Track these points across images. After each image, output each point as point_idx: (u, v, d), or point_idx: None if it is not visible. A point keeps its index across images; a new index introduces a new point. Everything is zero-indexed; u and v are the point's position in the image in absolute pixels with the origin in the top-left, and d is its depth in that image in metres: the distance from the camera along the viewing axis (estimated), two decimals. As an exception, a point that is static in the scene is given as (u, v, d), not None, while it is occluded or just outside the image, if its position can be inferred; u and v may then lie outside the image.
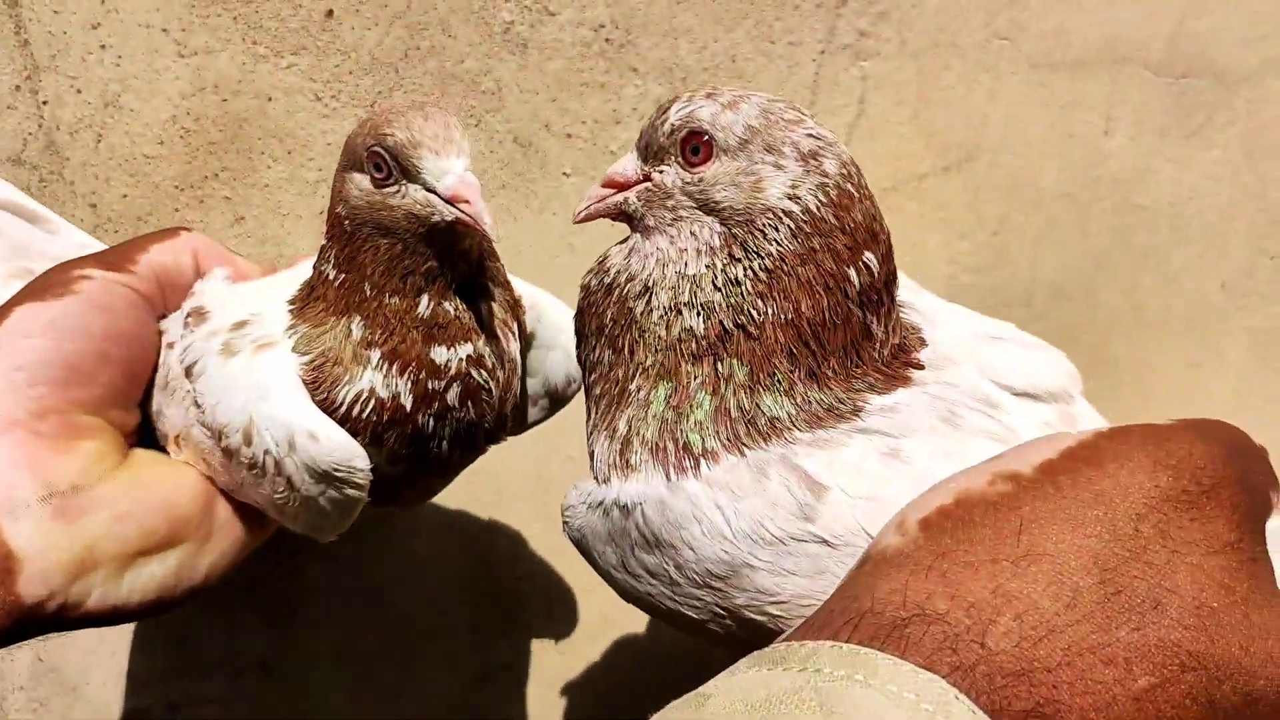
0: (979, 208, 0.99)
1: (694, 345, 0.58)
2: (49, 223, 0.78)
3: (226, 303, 0.68)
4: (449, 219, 0.60)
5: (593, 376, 0.63)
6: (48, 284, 0.64)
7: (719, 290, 0.57)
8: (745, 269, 0.57)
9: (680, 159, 0.59)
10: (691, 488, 0.56)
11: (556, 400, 0.78)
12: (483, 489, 0.98)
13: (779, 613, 0.55)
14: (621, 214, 0.62)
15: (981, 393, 0.60)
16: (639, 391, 0.59)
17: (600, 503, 0.60)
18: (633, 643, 1.01)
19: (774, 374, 0.57)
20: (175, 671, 0.97)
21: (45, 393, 0.60)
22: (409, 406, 0.64)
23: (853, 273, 0.57)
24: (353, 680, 0.99)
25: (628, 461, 0.59)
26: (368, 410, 0.64)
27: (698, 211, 0.59)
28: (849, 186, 0.58)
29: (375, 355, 0.63)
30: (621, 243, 0.63)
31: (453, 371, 0.64)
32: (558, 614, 1.01)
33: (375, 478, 0.64)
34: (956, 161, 0.98)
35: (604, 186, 0.63)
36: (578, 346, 0.65)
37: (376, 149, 0.61)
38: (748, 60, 0.94)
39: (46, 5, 0.87)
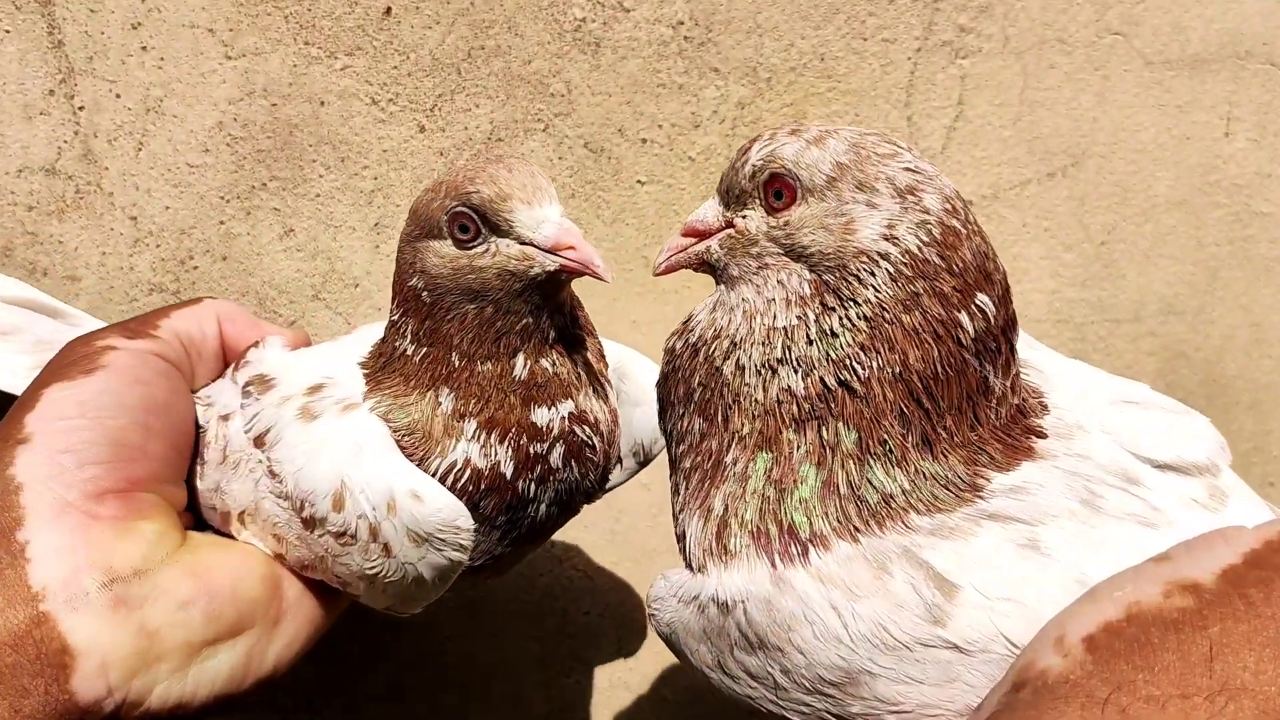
0: (1085, 217, 0.92)
1: (794, 408, 0.53)
2: (71, 317, 0.76)
3: (292, 368, 0.65)
4: (551, 269, 0.57)
5: (681, 448, 0.58)
6: (72, 359, 0.60)
7: (813, 344, 0.52)
8: (841, 318, 0.52)
9: (764, 202, 0.55)
10: (801, 584, 0.51)
11: (642, 460, 0.74)
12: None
13: (900, 723, 0.51)
14: (704, 264, 0.58)
15: (1119, 466, 0.54)
16: (735, 464, 0.54)
17: (695, 597, 0.55)
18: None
19: (885, 440, 0.51)
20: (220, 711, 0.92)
21: (99, 473, 0.56)
22: (510, 474, 0.61)
23: (965, 318, 0.51)
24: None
25: (725, 547, 0.54)
26: (463, 480, 0.60)
27: (784, 258, 0.54)
28: (954, 222, 0.52)
29: (470, 426, 0.60)
30: (709, 298, 0.58)
31: (555, 432, 0.61)
32: (629, 651, 0.95)
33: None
34: (1062, 167, 0.91)
35: (684, 235, 0.59)
36: (661, 416, 0.60)
37: (461, 209, 0.57)
38: (837, 59, 0.87)
39: (83, 4, 0.81)
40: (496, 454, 0.60)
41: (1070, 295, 0.93)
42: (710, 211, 0.58)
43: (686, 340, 0.57)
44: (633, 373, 0.71)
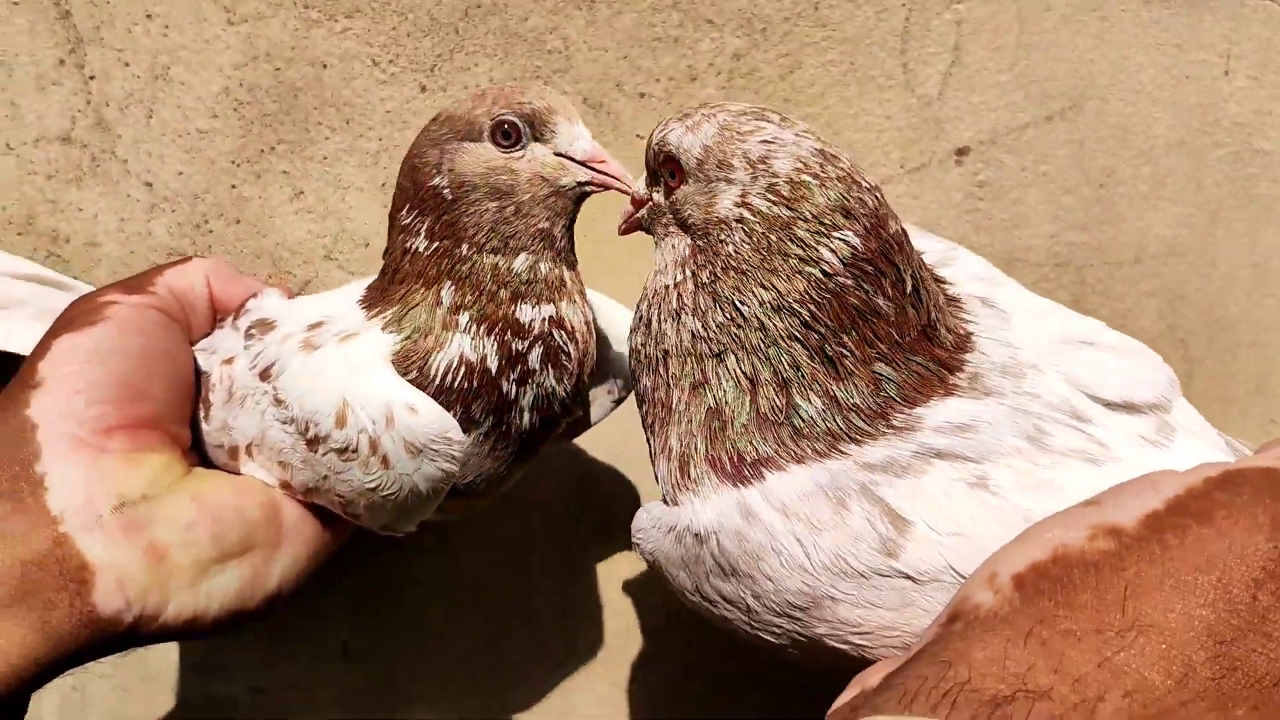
0: (1084, 160, 0.92)
1: (706, 346, 0.59)
2: (76, 289, 0.81)
3: (291, 311, 0.70)
4: (583, 179, 0.66)
5: (644, 408, 0.64)
6: (76, 314, 0.66)
7: (698, 292, 0.59)
8: (711, 271, 0.59)
9: (664, 180, 0.63)
10: (768, 518, 0.56)
11: (616, 400, 0.79)
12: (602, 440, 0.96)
13: (863, 643, 0.55)
14: (644, 229, 0.67)
15: (1069, 405, 0.58)
16: (679, 404, 0.60)
17: (672, 528, 0.60)
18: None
19: (796, 364, 0.57)
20: (260, 657, 0.95)
21: (107, 411, 0.62)
22: (494, 369, 0.66)
23: (826, 252, 0.57)
24: (441, 665, 0.97)
25: (688, 474, 0.59)
26: (459, 378, 0.66)
27: (677, 228, 0.62)
28: (805, 178, 0.57)
29: (465, 318, 0.66)
30: None
31: (536, 331, 0.67)
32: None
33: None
34: (1060, 110, 0.91)
35: (631, 204, 0.67)
36: (635, 392, 0.66)
37: (510, 117, 0.65)
38: (832, 7, 0.87)
39: (89, -27, 0.83)
40: (485, 347, 0.66)
41: (1070, 239, 0.93)
42: (642, 184, 0.65)
43: (636, 316, 0.64)
44: (607, 316, 0.76)
